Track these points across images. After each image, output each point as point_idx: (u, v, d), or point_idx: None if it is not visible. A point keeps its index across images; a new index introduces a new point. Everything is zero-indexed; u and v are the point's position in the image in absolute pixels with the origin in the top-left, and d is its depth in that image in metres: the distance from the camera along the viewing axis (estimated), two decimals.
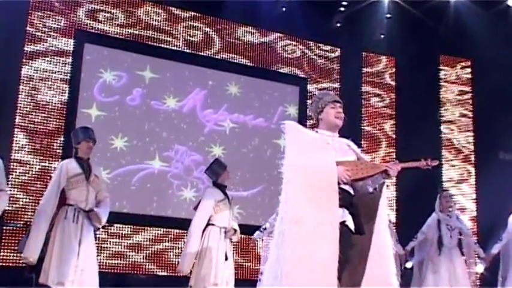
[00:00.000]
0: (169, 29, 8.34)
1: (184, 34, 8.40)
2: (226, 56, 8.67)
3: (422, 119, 8.88)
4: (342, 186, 3.05)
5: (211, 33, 8.60)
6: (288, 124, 3.13)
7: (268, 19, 8.55)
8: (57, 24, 7.60)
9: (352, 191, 3.15)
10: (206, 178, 6.71)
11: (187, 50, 8.38)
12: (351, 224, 3.08)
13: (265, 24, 8.78)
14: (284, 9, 8.76)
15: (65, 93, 7.46)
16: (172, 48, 8.30)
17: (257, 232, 6.16)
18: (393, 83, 9.61)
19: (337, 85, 9.35)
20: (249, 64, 8.81)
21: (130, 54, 8.00)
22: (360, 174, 3.06)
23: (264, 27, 8.85)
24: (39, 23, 7.48)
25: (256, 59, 8.94)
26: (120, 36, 7.97)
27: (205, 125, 8.37)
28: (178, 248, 7.70)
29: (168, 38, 8.30)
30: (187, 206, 7.62)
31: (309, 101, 8.49)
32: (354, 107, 9.14)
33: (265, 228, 6.06)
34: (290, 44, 9.18)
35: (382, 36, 9.23)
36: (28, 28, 7.38)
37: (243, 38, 8.82)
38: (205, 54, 8.49)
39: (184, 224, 6.28)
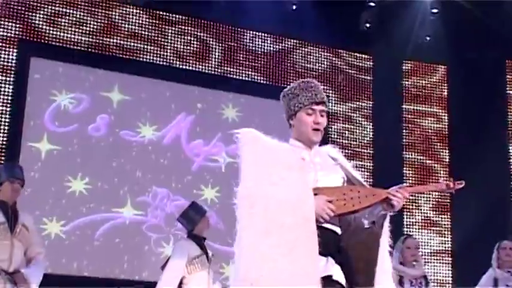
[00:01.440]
0: (146, 35, 8.25)
1: (166, 42, 8.32)
2: (221, 71, 8.54)
3: (485, 141, 8.66)
4: (324, 224, 2.85)
5: (195, 41, 8.55)
6: (245, 133, 2.93)
7: (271, 21, 8.49)
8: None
9: (339, 230, 2.96)
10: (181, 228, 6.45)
11: (169, 63, 8.29)
12: (340, 278, 2.86)
13: (266, 27, 8.74)
14: (294, 7, 8.50)
15: (4, 121, 7.37)
16: (149, 60, 8.20)
17: None
18: (445, 98, 9.58)
19: (369, 103, 9.27)
20: (249, 79, 8.71)
21: (93, 70, 7.94)
22: (350, 207, 2.88)
23: (266, 31, 8.82)
24: None
25: (257, 73, 8.79)
26: (79, 47, 7.87)
27: (193, 161, 8.26)
28: None
29: (145, 48, 8.22)
30: None
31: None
32: (394, 130, 9.11)
33: None
34: (304, 53, 9.10)
35: (428, 38, 9.10)
36: None
37: (239, 46, 8.78)
38: (193, 68, 8.39)
39: None
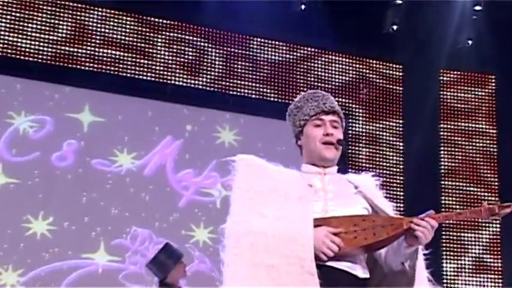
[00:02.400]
0: (124, 43, 8.14)
1: (148, 52, 8.21)
2: (216, 85, 8.42)
3: None
4: (334, 263, 2.77)
5: (185, 50, 8.42)
6: (240, 159, 2.97)
7: (273, 24, 8.42)
8: None
9: (361, 272, 2.86)
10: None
11: (153, 77, 8.16)
12: None
13: (270, 32, 8.69)
14: (303, 6, 8.44)
15: None
16: (127, 74, 8.08)
17: None
18: (492, 112, 9.48)
19: (399, 121, 9.17)
20: (251, 94, 8.58)
21: (58, 86, 7.84)
22: (362, 240, 2.78)
23: (267, 37, 8.75)
24: None
25: (262, 87, 8.66)
26: (41, 59, 7.74)
27: (181, 195, 8.11)
28: None
29: (122, 58, 8.12)
30: None
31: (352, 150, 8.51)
32: (429, 153, 8.93)
33: None
34: (319, 62, 9.00)
35: (470, 42, 8.96)
36: None
37: (238, 56, 8.68)
38: (181, 82, 8.28)
39: None
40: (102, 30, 8.07)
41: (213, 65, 8.43)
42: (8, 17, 7.71)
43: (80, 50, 7.93)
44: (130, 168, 7.93)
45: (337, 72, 9.03)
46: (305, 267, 2.66)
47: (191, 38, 8.44)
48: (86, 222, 7.65)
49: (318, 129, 2.97)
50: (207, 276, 7.77)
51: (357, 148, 8.86)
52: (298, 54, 8.92)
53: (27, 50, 7.75)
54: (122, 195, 7.83)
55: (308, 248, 2.68)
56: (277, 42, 8.80)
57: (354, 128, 8.93)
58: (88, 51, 7.95)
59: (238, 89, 8.47)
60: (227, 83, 8.44)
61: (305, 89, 8.37)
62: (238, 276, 2.70)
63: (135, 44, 8.15)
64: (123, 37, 8.14)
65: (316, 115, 2.98)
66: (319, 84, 8.82)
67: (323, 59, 9.00)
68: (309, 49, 8.95)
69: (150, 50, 8.21)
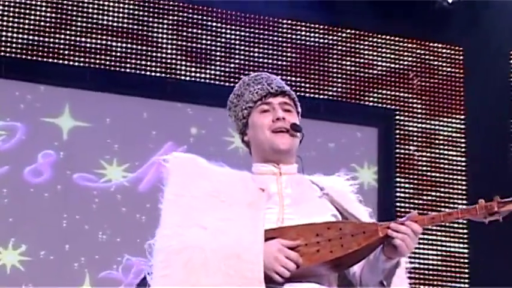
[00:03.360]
0: (113, 29, 7.98)
1: (143, 40, 8.02)
2: (227, 78, 8.20)
3: None
4: (297, 287, 2.72)
5: (188, 37, 8.22)
6: (175, 159, 2.96)
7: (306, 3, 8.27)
8: None
9: None
10: None
11: (149, 70, 8.00)
12: None
13: (299, 12, 8.52)
14: None
15: None
16: (117, 68, 7.95)
17: None
18: None
19: (460, 117, 8.93)
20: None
21: (31, 85, 7.71)
22: (326, 254, 2.69)
23: (298, 18, 8.56)
24: None
25: (283, 78, 8.13)
26: (9, 53, 7.62)
27: None
28: None
29: (111, 48, 7.94)
30: None
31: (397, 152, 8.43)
32: (499, 156, 8.61)
33: None
34: (357, 46, 8.67)
35: None
36: None
37: (254, 41, 8.48)
38: (184, 76, 8.12)
39: None
40: (85, 13, 7.91)
41: (223, 54, 8.22)
42: None
43: (56, 40, 7.78)
44: (122, 183, 7.84)
45: (375, 59, 8.76)
46: None
47: (198, 20, 8.28)
48: (67, 251, 7.54)
49: (265, 115, 2.93)
50: None
51: (402, 149, 8.59)
52: (334, 38, 8.69)
53: None
54: (112, 217, 7.74)
55: (257, 266, 2.61)
56: (308, 24, 8.58)
57: (404, 124, 8.66)
58: (67, 41, 7.81)
59: None
60: (241, 75, 8.01)
61: (342, 81, 8.40)
62: None
63: (126, 29, 7.98)
64: (110, 22, 7.98)
65: (261, 99, 2.95)
66: (361, 74, 8.62)
67: (365, 42, 8.74)
68: (348, 31, 8.68)
69: (146, 37, 8.03)
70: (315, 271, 2.72)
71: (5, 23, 7.66)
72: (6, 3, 7.68)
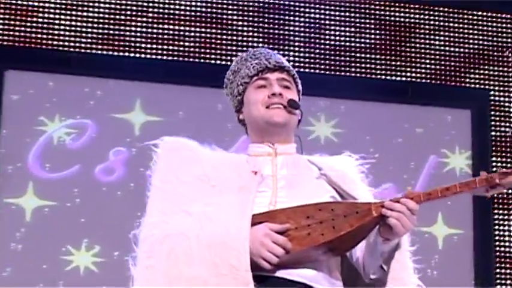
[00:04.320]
0: (188, 17, 7.69)
1: (214, 26, 7.74)
2: (305, 65, 7.77)
3: None
4: (289, 274, 2.59)
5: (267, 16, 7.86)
6: (165, 143, 2.90)
7: None
8: None
9: (327, 284, 2.66)
10: None
11: (225, 60, 7.69)
12: None
13: None
14: None
15: None
16: (192, 59, 7.67)
17: None
18: None
19: None
20: (353, 73, 7.89)
21: (102, 81, 7.50)
22: (318, 238, 2.56)
23: None
24: None
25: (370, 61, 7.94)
26: (82, 45, 7.46)
27: None
28: None
29: (182, 38, 7.66)
30: None
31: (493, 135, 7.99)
32: None
33: None
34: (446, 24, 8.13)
35: None
36: None
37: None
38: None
39: None
40: (155, 2, 7.70)
41: (298, 37, 7.83)
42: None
43: (127, 32, 7.58)
44: None
45: (473, 36, 8.19)
46: (239, 279, 2.50)
47: (275, 4, 7.92)
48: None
49: (261, 90, 2.85)
50: None
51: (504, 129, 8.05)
52: (422, 16, 8.18)
53: (58, 37, 7.42)
54: None
55: (243, 253, 2.52)
56: (394, 3, 8.14)
57: (500, 104, 8.11)
58: (136, 32, 7.60)
59: (336, 66, 7.80)
60: (322, 60, 7.75)
61: (430, 61, 7.97)
62: None
63: (199, 17, 7.71)
64: (184, 10, 7.75)
65: (257, 74, 2.86)
66: (451, 53, 8.08)
67: (455, 19, 8.19)
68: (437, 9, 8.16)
69: (221, 25, 7.75)
70: (308, 256, 2.61)
71: (73, 17, 7.49)
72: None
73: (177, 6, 7.72)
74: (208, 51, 7.70)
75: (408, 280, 2.71)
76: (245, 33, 7.76)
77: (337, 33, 7.89)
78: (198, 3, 7.73)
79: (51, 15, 7.46)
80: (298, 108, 2.83)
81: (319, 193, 2.77)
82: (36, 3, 7.46)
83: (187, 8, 7.75)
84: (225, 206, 2.65)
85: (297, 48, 7.77)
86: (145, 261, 2.63)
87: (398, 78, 7.80)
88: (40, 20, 7.43)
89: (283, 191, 2.75)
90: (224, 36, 7.71)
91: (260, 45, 7.62)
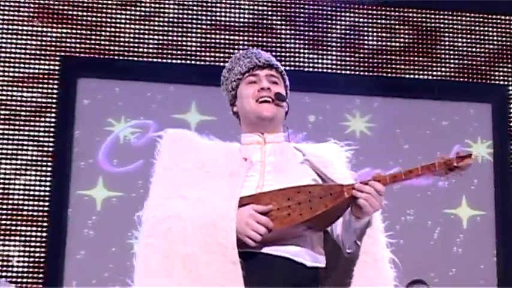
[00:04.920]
0: (237, 26, 7.65)
1: (264, 34, 7.66)
2: (341, 66, 7.69)
3: None
4: (275, 250, 2.55)
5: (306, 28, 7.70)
6: (167, 135, 2.85)
7: None
8: (30, 44, 7.36)
9: (310, 259, 2.61)
10: None
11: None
12: None
13: None
14: None
15: (46, 164, 7.13)
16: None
17: None
18: None
19: None
20: (384, 73, 7.80)
21: (162, 86, 7.47)
22: (297, 217, 2.53)
23: None
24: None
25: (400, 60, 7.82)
26: (144, 54, 7.48)
27: None
28: None
29: (236, 43, 7.61)
30: None
31: None
32: None
33: None
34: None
35: None
36: None
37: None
38: (302, 67, 7.66)
39: None
40: (209, 12, 7.64)
41: (336, 42, 7.73)
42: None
43: (183, 42, 7.54)
44: None
45: (492, 36, 7.96)
46: (227, 256, 2.45)
47: (314, 9, 7.76)
48: None
49: (251, 86, 2.78)
50: None
51: None
52: (445, 21, 7.96)
53: (123, 48, 7.44)
54: None
55: (230, 233, 2.47)
56: (418, 10, 7.92)
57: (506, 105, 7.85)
58: (194, 41, 7.55)
59: (369, 68, 7.70)
60: (353, 62, 7.70)
61: (454, 61, 7.80)
62: (150, 270, 2.51)
63: (246, 25, 7.68)
64: (235, 21, 7.70)
65: (249, 71, 2.80)
66: (473, 52, 7.87)
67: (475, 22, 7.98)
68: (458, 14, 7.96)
69: (266, 32, 7.70)
70: (290, 233, 2.55)
71: (136, 30, 7.48)
72: (133, 8, 7.51)
73: (227, 18, 7.68)
74: None
75: (379, 254, 2.60)
76: (291, 40, 7.70)
77: (371, 37, 7.80)
78: (247, 15, 7.70)
79: (117, 29, 7.51)
80: (284, 100, 2.76)
81: (302, 177, 2.69)
82: (103, 19, 7.50)
83: (238, 19, 7.70)
84: (216, 190, 2.58)
85: (334, 53, 7.71)
86: (146, 240, 2.57)
87: (426, 77, 7.72)
88: (107, 33, 7.48)
89: (269, 175, 2.67)
90: (269, 44, 7.63)
91: (302, 50, 7.62)
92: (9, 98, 7.21)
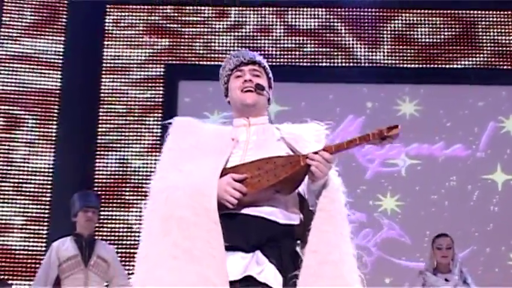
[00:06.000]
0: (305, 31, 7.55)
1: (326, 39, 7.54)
2: (392, 61, 7.55)
3: None
4: (252, 211, 2.49)
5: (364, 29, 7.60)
6: (175, 122, 2.77)
7: None
8: (141, 54, 7.44)
9: (282, 217, 2.53)
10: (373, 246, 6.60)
11: (330, 62, 7.52)
12: (269, 278, 2.44)
13: None
14: None
15: (156, 151, 7.01)
16: (305, 63, 7.54)
17: None
18: None
19: None
20: (427, 64, 7.57)
21: None
22: (265, 183, 2.49)
23: None
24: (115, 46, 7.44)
25: (441, 53, 7.58)
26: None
27: (366, 168, 7.31)
28: None
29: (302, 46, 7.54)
30: None
31: None
32: None
33: None
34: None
35: None
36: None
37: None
38: (359, 63, 7.52)
39: None
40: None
41: (389, 39, 7.53)
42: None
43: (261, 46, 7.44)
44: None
45: None
46: (210, 217, 2.41)
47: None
48: None
49: (238, 79, 2.73)
50: (397, 241, 7.16)
51: None
52: (481, 18, 7.58)
53: (214, 54, 7.39)
54: None
55: (212, 198, 2.44)
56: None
57: None
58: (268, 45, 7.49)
59: (416, 60, 7.51)
60: (403, 56, 7.52)
61: (487, 49, 7.48)
62: (152, 230, 2.48)
63: (313, 31, 7.55)
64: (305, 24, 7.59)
65: (236, 68, 2.75)
66: (504, 43, 7.50)
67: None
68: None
69: (330, 32, 7.53)
70: (262, 197, 2.50)
71: (224, 39, 7.42)
72: (222, 21, 7.45)
73: (297, 23, 7.54)
74: (319, 57, 7.50)
75: (336, 211, 2.50)
76: (349, 40, 7.53)
77: (417, 35, 7.56)
78: (315, 21, 7.58)
79: (209, 40, 7.52)
80: (263, 89, 2.67)
81: (276, 151, 2.61)
82: (198, 32, 7.51)
83: (307, 24, 7.57)
84: (205, 164, 2.55)
85: (386, 49, 7.52)
86: (150, 206, 2.54)
87: (463, 66, 7.45)
88: (201, 43, 7.50)
89: (251, 152, 2.61)
90: (333, 44, 7.51)
91: (359, 47, 7.45)
92: (126, 97, 7.33)
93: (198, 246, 2.37)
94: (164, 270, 2.36)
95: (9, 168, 7.05)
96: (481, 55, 7.52)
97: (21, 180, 7.01)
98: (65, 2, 7.48)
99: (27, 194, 6.98)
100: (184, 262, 2.35)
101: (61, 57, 7.35)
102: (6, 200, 7.00)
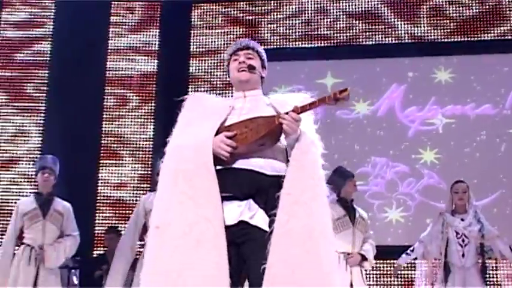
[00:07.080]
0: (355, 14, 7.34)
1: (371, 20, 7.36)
2: (430, 37, 7.31)
3: None
4: (245, 164, 2.49)
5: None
6: (189, 96, 2.80)
7: None
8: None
9: (270, 170, 2.52)
10: (415, 192, 6.60)
11: (378, 42, 7.34)
12: (260, 222, 2.45)
13: None
14: None
15: None
16: (354, 43, 7.39)
17: (403, 255, 5.17)
18: None
19: None
20: (460, 39, 7.31)
21: (307, 63, 7.31)
22: (249, 138, 2.50)
23: None
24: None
25: (471, 27, 7.29)
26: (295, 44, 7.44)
27: (408, 127, 7.23)
28: None
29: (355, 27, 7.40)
30: (394, 230, 6.87)
31: None
32: None
33: (412, 250, 5.10)
34: None
35: None
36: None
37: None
38: (400, 40, 7.32)
39: (392, 252, 5.80)
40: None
41: (426, 16, 7.22)
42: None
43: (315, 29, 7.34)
44: (367, 113, 7.26)
45: None
46: (209, 169, 2.46)
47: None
48: (335, 158, 6.67)
49: (235, 62, 2.72)
50: (436, 188, 7.04)
51: None
52: None
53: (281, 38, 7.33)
54: (362, 134, 7.18)
55: (208, 154, 2.48)
56: None
57: None
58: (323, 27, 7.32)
59: (450, 35, 7.22)
60: (438, 32, 7.21)
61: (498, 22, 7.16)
62: (164, 180, 2.53)
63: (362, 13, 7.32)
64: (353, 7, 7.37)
65: (234, 52, 2.74)
66: None
67: None
68: None
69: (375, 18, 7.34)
70: (250, 150, 2.50)
71: (285, 24, 7.32)
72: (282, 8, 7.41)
73: (349, 8, 7.33)
74: (367, 34, 7.27)
75: (307, 161, 2.43)
76: (392, 19, 7.28)
77: (449, 11, 7.23)
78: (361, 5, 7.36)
79: (274, 25, 7.40)
80: (254, 68, 2.62)
81: (264, 114, 2.59)
82: (263, 19, 7.35)
83: (354, 7, 7.34)
84: (205, 126, 2.56)
85: (424, 25, 7.24)
86: (165, 162, 2.54)
87: (490, 38, 7.06)
88: (269, 28, 7.36)
89: (244, 116, 2.58)
90: (378, 23, 7.30)
91: (401, 25, 7.18)
92: (212, 77, 7.32)
93: (199, 194, 2.41)
94: (172, 213, 2.41)
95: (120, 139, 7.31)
96: (506, 27, 7.13)
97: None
98: (158, 3, 7.68)
99: (137, 157, 7.18)
100: (188, 206, 2.40)
101: (157, 47, 7.49)
102: (123, 164, 7.13)
